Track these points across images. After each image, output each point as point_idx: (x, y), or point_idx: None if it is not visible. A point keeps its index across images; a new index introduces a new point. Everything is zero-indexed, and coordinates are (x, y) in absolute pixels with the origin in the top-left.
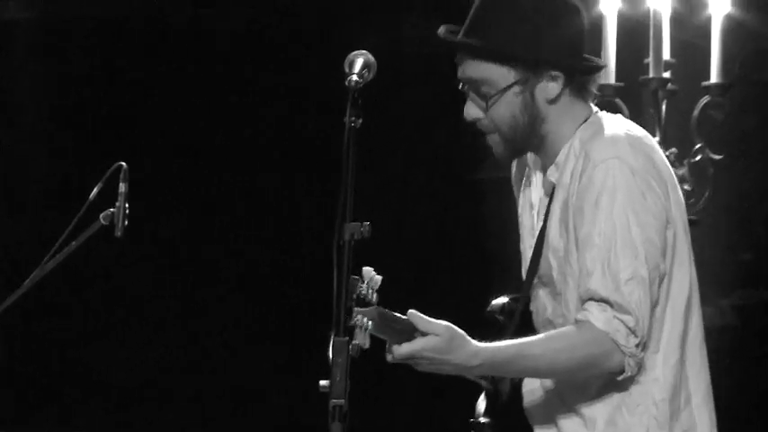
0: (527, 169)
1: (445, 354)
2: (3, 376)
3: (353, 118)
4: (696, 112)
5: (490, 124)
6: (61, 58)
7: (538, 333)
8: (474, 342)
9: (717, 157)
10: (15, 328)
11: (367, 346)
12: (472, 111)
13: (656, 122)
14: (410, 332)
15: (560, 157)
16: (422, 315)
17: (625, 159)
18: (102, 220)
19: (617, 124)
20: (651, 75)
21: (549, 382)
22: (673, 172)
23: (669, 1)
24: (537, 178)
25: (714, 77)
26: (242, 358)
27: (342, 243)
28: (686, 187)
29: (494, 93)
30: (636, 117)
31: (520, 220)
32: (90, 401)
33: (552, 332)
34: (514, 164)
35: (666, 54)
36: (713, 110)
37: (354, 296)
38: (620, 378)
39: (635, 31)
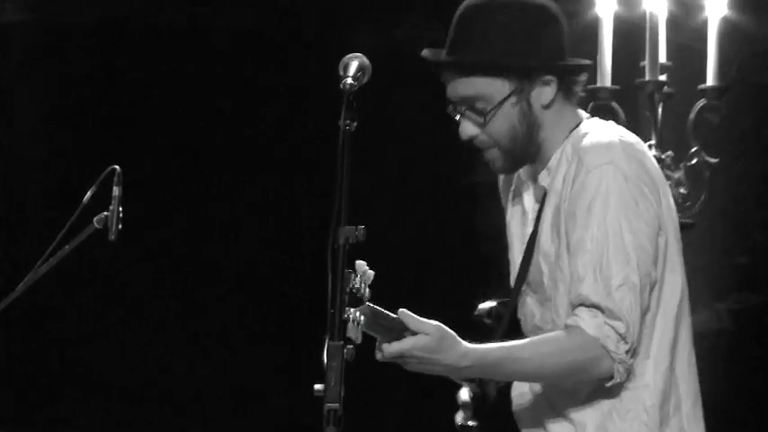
0: (516, 177)
1: (435, 353)
2: (3, 376)
3: (348, 121)
4: (692, 116)
5: (488, 140)
6: (60, 58)
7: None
8: (464, 343)
9: (713, 160)
10: (15, 328)
11: (359, 341)
12: (469, 129)
13: (652, 125)
14: (400, 331)
15: (552, 162)
16: (412, 314)
17: (618, 165)
18: (95, 223)
19: (610, 130)
20: (647, 78)
21: (538, 387)
22: (664, 178)
23: (665, 3)
24: (528, 186)
25: (710, 80)
26: (242, 358)
27: (336, 247)
28: (682, 190)
29: (491, 107)
30: (632, 120)
31: (508, 228)
32: (90, 401)
33: (542, 336)
34: None
35: (663, 57)
36: (709, 113)
37: (347, 290)
38: (608, 384)
39: (631, 34)
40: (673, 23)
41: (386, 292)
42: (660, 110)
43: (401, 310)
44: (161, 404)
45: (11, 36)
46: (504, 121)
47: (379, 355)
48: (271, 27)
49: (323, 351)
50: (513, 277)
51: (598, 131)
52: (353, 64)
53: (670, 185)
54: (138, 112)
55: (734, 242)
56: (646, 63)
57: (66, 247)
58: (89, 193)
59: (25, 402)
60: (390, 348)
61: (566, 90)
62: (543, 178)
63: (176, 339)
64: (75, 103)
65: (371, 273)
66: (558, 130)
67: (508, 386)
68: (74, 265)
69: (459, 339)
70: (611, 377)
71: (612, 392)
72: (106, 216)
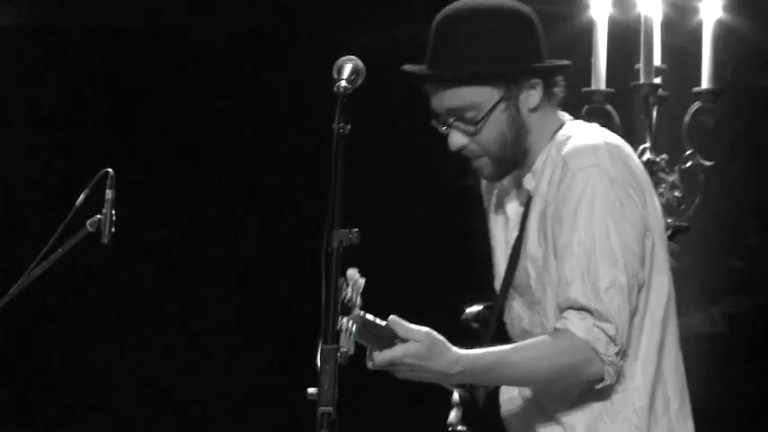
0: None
1: (425, 360)
2: (3, 377)
3: (342, 124)
4: (687, 118)
5: (479, 148)
6: (61, 59)
7: (515, 342)
8: (454, 349)
9: (708, 163)
10: (15, 328)
11: (352, 351)
12: (459, 139)
13: (647, 128)
14: (390, 338)
15: (537, 166)
16: (402, 321)
17: (604, 168)
18: (88, 227)
19: (594, 133)
20: (642, 80)
21: (527, 391)
22: (649, 179)
23: (660, 6)
24: (512, 189)
25: (705, 83)
26: (242, 358)
27: (330, 250)
28: (677, 193)
29: (482, 115)
30: (626, 123)
31: (491, 232)
32: (90, 401)
33: (532, 340)
34: None
35: (657, 60)
36: (704, 116)
37: (339, 300)
38: (599, 386)
39: (626, 37)
40: (667, 26)
41: (380, 295)
42: (655, 113)
43: (391, 317)
44: (161, 404)
45: (8, 38)
46: (494, 129)
47: (369, 364)
48: (271, 27)
49: (316, 355)
50: (499, 281)
51: (582, 134)
52: (347, 67)
53: (665, 188)
54: (138, 112)
55: (729, 245)
56: (640, 66)
57: (60, 250)
58: (82, 197)
59: (25, 402)
60: (381, 356)
61: (549, 92)
62: (528, 182)
63: (176, 339)
64: (75, 103)
65: (362, 281)
66: (543, 134)
67: (497, 391)
68: (73, 265)
69: (450, 345)
70: (602, 379)
71: (602, 395)
72: (99, 219)
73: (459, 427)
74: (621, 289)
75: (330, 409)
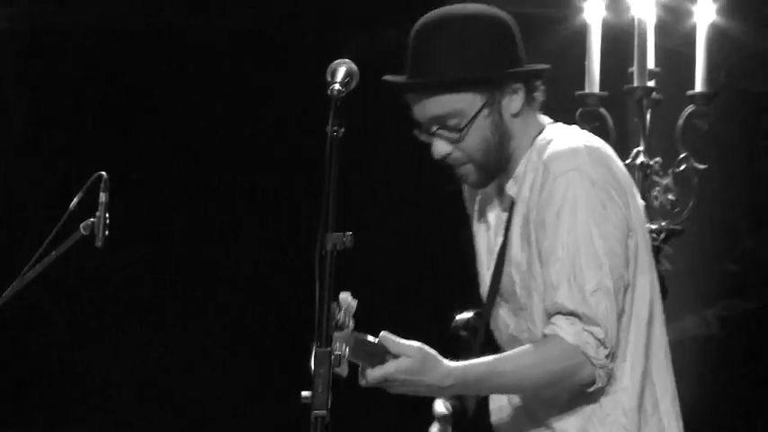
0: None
1: (418, 375)
2: (3, 377)
3: (336, 127)
4: (681, 122)
5: (463, 155)
6: (61, 59)
7: (503, 350)
8: (446, 362)
9: (701, 166)
10: (14, 328)
11: (345, 374)
12: (443, 147)
13: (641, 132)
14: (382, 354)
15: (519, 171)
16: (393, 337)
17: (585, 171)
18: (82, 230)
19: (574, 135)
20: (636, 84)
21: (516, 398)
22: (631, 179)
23: (654, 9)
24: (494, 195)
25: (699, 86)
26: (242, 358)
27: (324, 253)
28: (671, 197)
29: (465, 122)
30: (620, 126)
31: (475, 239)
32: (90, 401)
33: (522, 348)
34: None
35: (651, 63)
36: (698, 119)
37: (333, 323)
38: (590, 390)
39: (619, 40)
40: (661, 29)
41: (374, 300)
42: (648, 116)
43: (382, 333)
44: (161, 404)
45: (8, 38)
46: (478, 135)
47: (362, 382)
48: (271, 27)
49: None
50: (484, 288)
51: (562, 138)
52: (341, 69)
53: (658, 191)
54: (138, 112)
55: (722, 248)
56: (634, 69)
57: (53, 253)
58: (76, 200)
59: (25, 403)
60: (374, 373)
61: (530, 97)
62: (510, 187)
63: (176, 339)
64: (74, 103)
65: (354, 303)
66: (524, 139)
67: (486, 398)
68: (73, 265)
69: (441, 359)
70: (593, 382)
71: (591, 397)
72: (93, 222)
73: None
74: (608, 292)
75: (324, 412)
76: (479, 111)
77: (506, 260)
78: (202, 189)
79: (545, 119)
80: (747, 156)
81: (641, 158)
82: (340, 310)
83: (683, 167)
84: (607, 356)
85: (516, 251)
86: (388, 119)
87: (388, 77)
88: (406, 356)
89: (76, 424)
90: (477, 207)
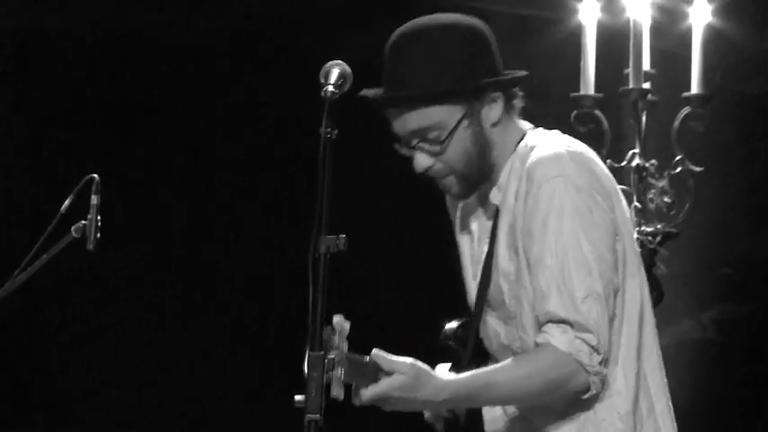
0: None
1: (412, 392)
2: (2, 377)
3: (329, 129)
4: (676, 124)
5: (444, 167)
6: (61, 59)
7: (494, 359)
8: (439, 376)
9: (697, 168)
10: (14, 329)
11: (342, 397)
12: (425, 161)
13: (636, 134)
14: (375, 373)
15: (502, 179)
16: (385, 355)
17: (569, 177)
18: (73, 232)
19: (556, 141)
20: (631, 85)
21: (511, 407)
22: (616, 183)
23: (649, 11)
24: (476, 204)
25: (695, 88)
26: (241, 359)
27: (317, 256)
28: (666, 199)
29: (446, 134)
30: (616, 128)
31: (459, 248)
32: (90, 401)
33: (515, 359)
34: None
35: (646, 64)
36: (694, 121)
37: (328, 347)
38: (585, 396)
39: (614, 41)
40: (657, 31)
41: (368, 304)
42: (644, 118)
43: (374, 351)
44: (161, 404)
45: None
46: (459, 146)
47: (356, 401)
48: (271, 27)
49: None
50: (470, 297)
51: (545, 144)
52: (335, 71)
53: (654, 194)
54: (137, 112)
55: (719, 251)
56: (629, 71)
57: (44, 256)
58: (67, 202)
59: (25, 403)
60: (367, 393)
61: (509, 105)
62: (494, 196)
63: (176, 339)
64: (74, 103)
65: (347, 325)
66: (506, 147)
67: (479, 408)
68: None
69: (434, 373)
70: (588, 389)
71: (586, 404)
72: (84, 225)
73: None
74: (599, 298)
75: (317, 416)
76: (459, 122)
77: (493, 269)
78: (202, 189)
79: (525, 124)
80: (743, 158)
81: (637, 161)
82: (334, 334)
83: (678, 170)
84: (601, 363)
85: (503, 260)
86: (385, 120)
87: (364, 93)
88: (399, 373)
89: (76, 424)
90: (459, 215)
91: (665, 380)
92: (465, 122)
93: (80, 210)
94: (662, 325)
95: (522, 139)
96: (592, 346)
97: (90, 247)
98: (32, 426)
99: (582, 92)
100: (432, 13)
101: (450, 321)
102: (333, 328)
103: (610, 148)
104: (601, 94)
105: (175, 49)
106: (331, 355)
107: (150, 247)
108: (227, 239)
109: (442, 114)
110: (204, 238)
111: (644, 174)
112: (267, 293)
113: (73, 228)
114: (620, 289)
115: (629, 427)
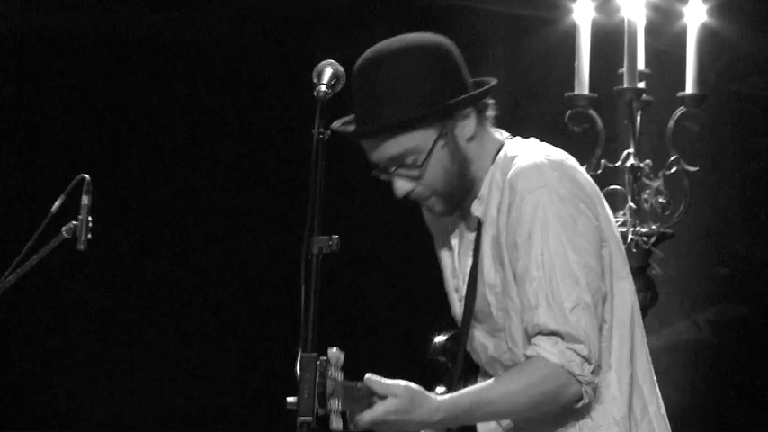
0: None
1: (407, 414)
2: (2, 377)
3: (322, 129)
4: (671, 123)
5: (425, 190)
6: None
7: (484, 371)
8: (433, 397)
9: (692, 168)
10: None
11: (341, 429)
12: (404, 186)
13: (631, 133)
14: (369, 397)
15: (483, 191)
16: (379, 379)
17: (552, 187)
18: (64, 233)
19: (536, 151)
20: (626, 85)
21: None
22: (598, 189)
23: (644, 10)
24: (457, 216)
25: (690, 88)
26: (241, 359)
27: (310, 257)
28: (661, 200)
29: (423, 158)
30: (610, 128)
31: (440, 261)
32: (90, 401)
33: (507, 373)
34: None
35: (641, 64)
36: (689, 121)
37: (325, 379)
38: (578, 406)
39: (609, 41)
40: (651, 30)
41: (364, 305)
42: (639, 117)
43: (367, 376)
44: (161, 404)
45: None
46: (437, 167)
47: (351, 427)
48: (269, 27)
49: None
50: (454, 309)
51: (525, 154)
52: (327, 71)
53: (649, 194)
54: (135, 112)
55: (714, 252)
56: (624, 70)
57: (35, 256)
58: (57, 203)
59: (24, 403)
60: (363, 419)
61: (482, 117)
62: (476, 208)
63: (175, 340)
64: (72, 104)
65: (342, 355)
66: (484, 159)
67: None
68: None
69: (428, 394)
70: (581, 399)
71: (582, 411)
72: (75, 226)
73: None
74: (587, 307)
75: (309, 418)
76: (434, 144)
77: (479, 282)
78: (195, 189)
79: (502, 134)
80: (739, 158)
81: (631, 161)
82: (330, 365)
83: (673, 170)
84: (592, 372)
85: (489, 272)
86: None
87: (336, 128)
88: (394, 396)
89: (77, 424)
90: (439, 228)
91: (655, 380)
92: (440, 143)
93: (71, 210)
94: (657, 326)
95: (500, 149)
96: (583, 357)
97: (81, 247)
98: (32, 426)
99: (576, 91)
100: (427, 12)
101: (438, 335)
102: (328, 360)
103: (604, 147)
104: (595, 94)
105: (174, 50)
106: (328, 388)
107: (147, 247)
108: (225, 240)
109: (416, 139)
110: (197, 239)
111: (639, 174)
112: (265, 293)
113: (64, 228)
114: (608, 295)
115: (624, 431)
